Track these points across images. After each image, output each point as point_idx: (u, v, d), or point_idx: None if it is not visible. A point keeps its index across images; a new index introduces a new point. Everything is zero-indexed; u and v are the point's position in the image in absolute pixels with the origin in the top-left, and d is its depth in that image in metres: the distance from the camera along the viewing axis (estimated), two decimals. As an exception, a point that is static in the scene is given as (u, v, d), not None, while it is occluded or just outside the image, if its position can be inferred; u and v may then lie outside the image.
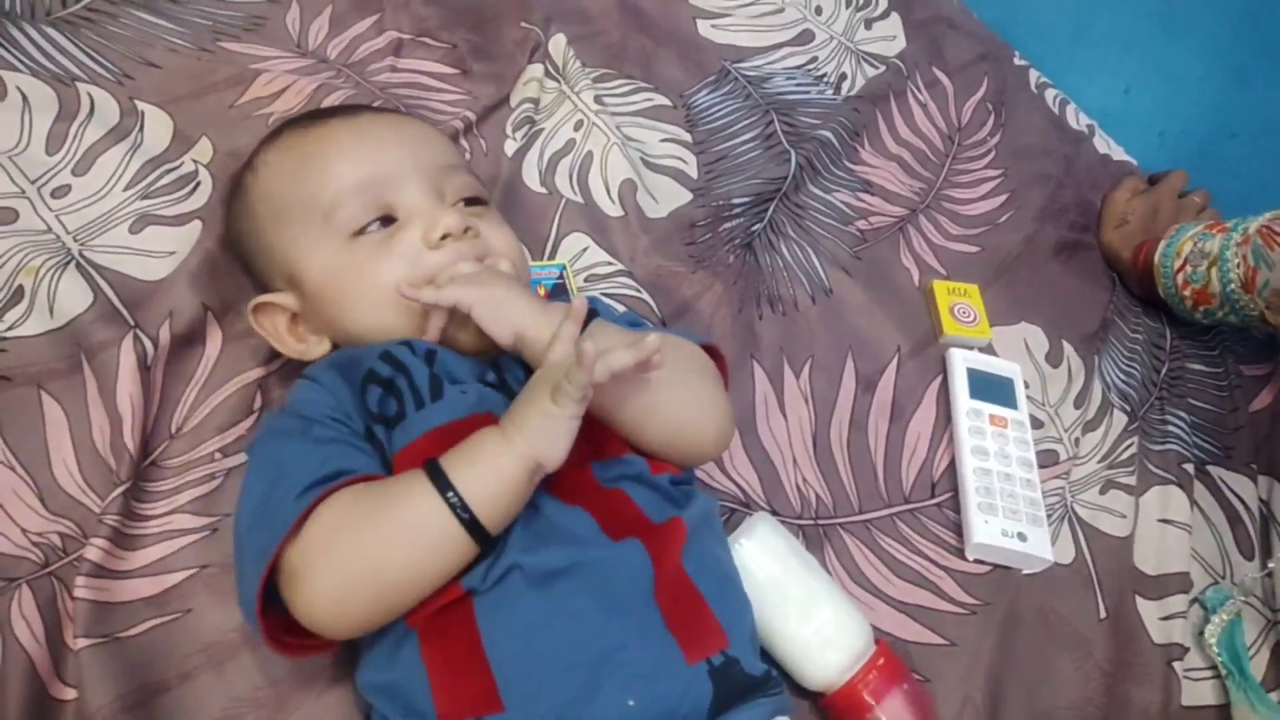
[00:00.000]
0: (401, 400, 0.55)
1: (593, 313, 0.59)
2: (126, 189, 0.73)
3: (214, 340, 0.68)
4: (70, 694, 0.53)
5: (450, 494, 0.48)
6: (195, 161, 0.77)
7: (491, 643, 0.49)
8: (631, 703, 0.48)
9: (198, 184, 0.75)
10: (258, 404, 0.67)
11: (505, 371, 0.59)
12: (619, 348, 0.50)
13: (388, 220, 0.60)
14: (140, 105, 0.79)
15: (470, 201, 0.64)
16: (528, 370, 0.57)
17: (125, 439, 0.61)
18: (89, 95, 0.78)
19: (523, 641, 0.49)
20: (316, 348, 0.63)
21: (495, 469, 0.49)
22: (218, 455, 0.64)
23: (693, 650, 0.51)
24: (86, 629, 0.54)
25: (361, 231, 0.60)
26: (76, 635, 0.54)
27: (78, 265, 0.67)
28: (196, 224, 0.72)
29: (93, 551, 0.56)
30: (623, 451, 0.57)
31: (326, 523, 0.48)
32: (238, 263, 0.68)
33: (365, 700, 0.54)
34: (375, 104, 0.87)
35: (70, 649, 0.54)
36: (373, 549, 0.48)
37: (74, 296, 0.65)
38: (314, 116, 0.67)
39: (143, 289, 0.68)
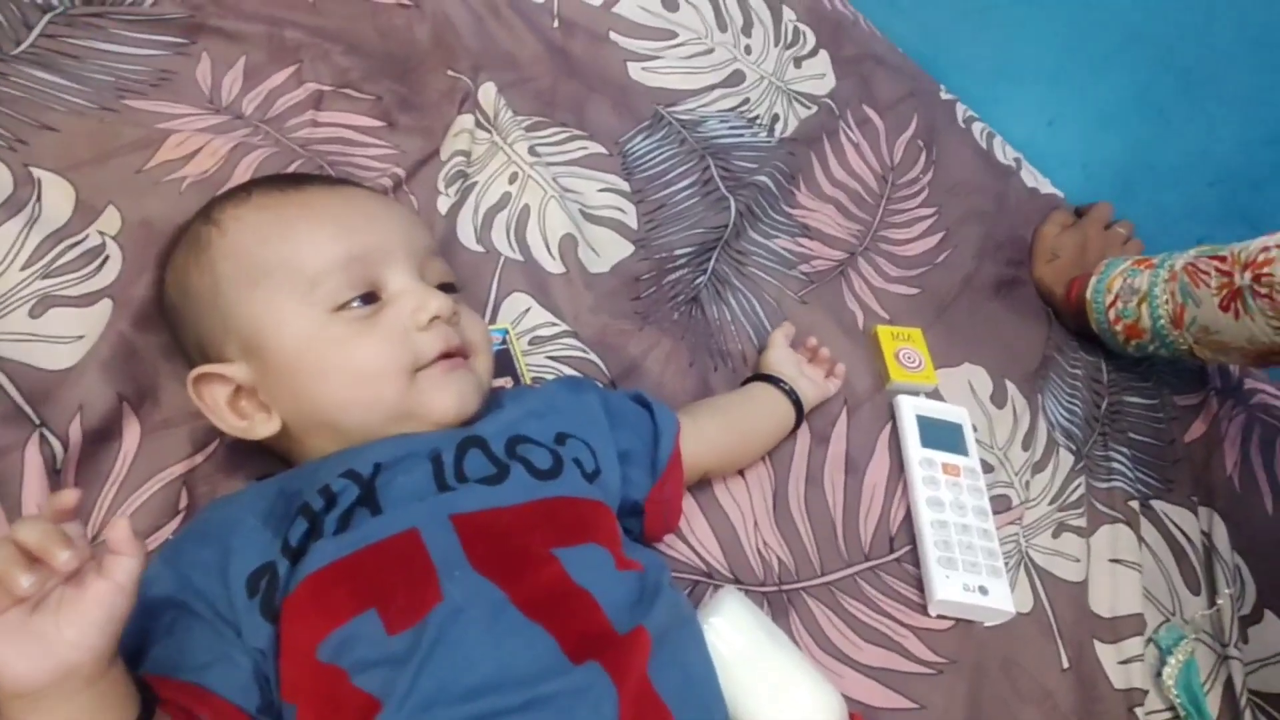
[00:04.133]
0: (308, 536, 0.51)
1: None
2: (24, 268, 0.67)
3: (131, 433, 0.62)
4: None
5: None
6: (102, 234, 0.71)
7: None
8: None
9: (105, 258, 0.69)
10: (183, 503, 0.61)
11: (450, 455, 0.55)
12: None
13: (369, 298, 0.58)
14: (36, 173, 0.72)
15: (444, 288, 0.62)
16: (486, 457, 0.56)
17: (34, 555, 0.55)
18: (-23, 164, 0.71)
19: None
20: (263, 426, 0.58)
21: None
22: (141, 563, 0.58)
23: None
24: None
25: (344, 306, 0.57)
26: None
27: (-28, 358, 0.61)
28: (106, 303, 0.66)
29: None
30: (589, 537, 0.54)
31: None
32: (167, 324, 0.64)
33: None
34: (312, 167, 0.82)
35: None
36: None
37: (-31, 395, 0.59)
38: (292, 179, 0.64)
39: (48, 380, 0.62)
